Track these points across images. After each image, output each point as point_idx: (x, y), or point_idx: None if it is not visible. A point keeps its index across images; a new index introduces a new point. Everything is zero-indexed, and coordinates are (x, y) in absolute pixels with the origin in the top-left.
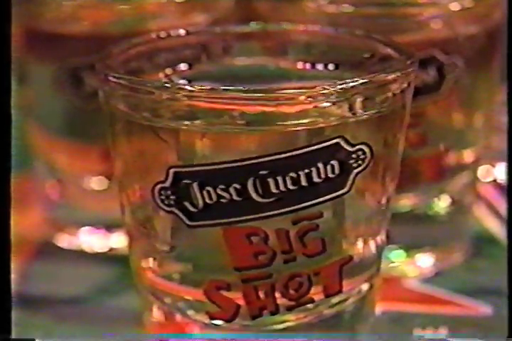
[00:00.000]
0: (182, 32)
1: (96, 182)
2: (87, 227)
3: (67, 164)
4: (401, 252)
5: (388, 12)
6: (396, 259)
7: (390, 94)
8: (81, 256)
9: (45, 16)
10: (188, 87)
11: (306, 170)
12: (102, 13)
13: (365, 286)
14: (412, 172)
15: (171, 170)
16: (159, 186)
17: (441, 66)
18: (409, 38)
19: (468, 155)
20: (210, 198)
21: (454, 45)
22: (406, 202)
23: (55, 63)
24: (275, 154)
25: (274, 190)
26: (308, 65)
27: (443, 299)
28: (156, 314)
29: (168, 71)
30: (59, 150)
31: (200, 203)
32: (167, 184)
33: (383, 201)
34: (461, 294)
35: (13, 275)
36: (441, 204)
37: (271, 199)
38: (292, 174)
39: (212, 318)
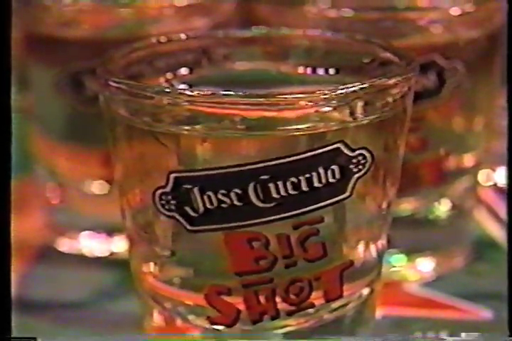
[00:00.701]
0: (183, 36)
1: (96, 187)
2: (87, 232)
3: (68, 168)
4: (401, 256)
5: (388, 16)
6: (397, 263)
7: (390, 99)
8: (82, 260)
9: (46, 21)
10: (189, 92)
11: (307, 175)
12: (102, 18)
13: (365, 291)
14: (412, 177)
15: (172, 175)
16: (160, 191)
17: (442, 71)
18: (410, 43)
19: (468, 160)
20: (211, 203)
21: (455, 49)
22: (406, 206)
23: (56, 67)
24: (276, 159)
25: (274, 194)
26: (309, 70)
27: (443, 303)
28: (157, 318)
29: (169, 75)
30: (60, 155)
31: (201, 208)
32: (168, 189)
33: (384, 205)
34: (462, 298)
35: (13, 280)
36: (442, 208)
37: (272, 204)
38: (293, 179)
39: (212, 323)
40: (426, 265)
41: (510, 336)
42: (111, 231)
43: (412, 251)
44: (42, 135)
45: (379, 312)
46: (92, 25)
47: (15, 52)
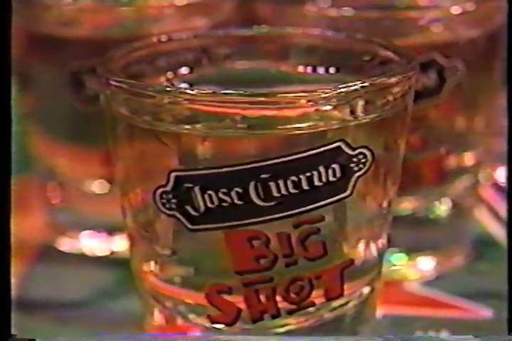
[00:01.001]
0: (183, 36)
1: (97, 186)
2: (88, 231)
3: (69, 168)
4: (402, 255)
5: (389, 15)
6: (397, 262)
7: (391, 98)
8: (82, 259)
9: (46, 20)
10: (189, 91)
11: (308, 174)
12: (102, 17)
13: (366, 290)
14: (413, 176)
15: (173, 174)
16: (160, 190)
17: (442, 69)
18: (410, 42)
19: (469, 159)
20: (212, 202)
21: (455, 48)
22: (407, 205)
23: (56, 67)
24: (276, 158)
25: (275, 193)
26: (309, 69)
27: (444, 302)
28: (157, 317)
29: (170, 75)
30: (60, 154)
31: (202, 207)
32: (168, 188)
33: (384, 204)
34: (462, 297)
35: (14, 279)
36: (442, 207)
37: (272, 203)
38: (293, 178)
39: (213, 322)
40: (426, 264)
41: (509, 335)
42: (111, 230)
43: (413, 250)
44: (42, 134)
45: (379, 311)
46: (92, 24)
47: (15, 51)
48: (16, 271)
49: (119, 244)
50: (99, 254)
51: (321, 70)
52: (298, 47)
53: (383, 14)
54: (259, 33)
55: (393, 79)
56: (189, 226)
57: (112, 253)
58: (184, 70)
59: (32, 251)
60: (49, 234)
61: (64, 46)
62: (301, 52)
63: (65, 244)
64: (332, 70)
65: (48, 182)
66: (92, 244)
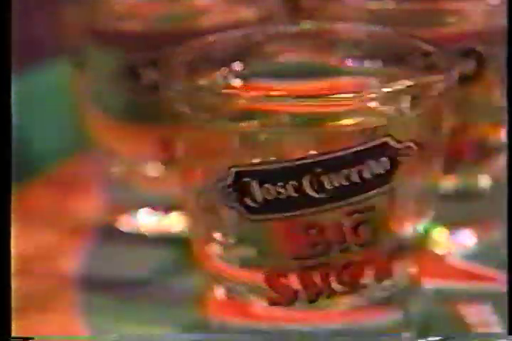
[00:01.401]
0: (236, 33)
1: (153, 167)
2: (146, 209)
3: (127, 149)
4: (444, 230)
5: (429, 7)
6: (439, 237)
7: (436, 93)
8: (141, 238)
9: (101, 15)
10: (243, 93)
11: (358, 167)
12: (154, 11)
13: (413, 268)
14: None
15: (233, 169)
16: (221, 183)
17: (481, 57)
18: (449, 31)
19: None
20: (269, 194)
21: (493, 36)
22: (449, 181)
23: (112, 59)
24: (328, 153)
25: (328, 186)
26: (356, 62)
27: (486, 275)
28: (217, 297)
29: (223, 70)
30: (119, 135)
31: (260, 199)
32: (228, 182)
33: (431, 186)
34: (504, 270)
35: (77, 259)
36: (483, 182)
37: (325, 195)
38: (344, 171)
39: (271, 303)
40: (468, 237)
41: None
42: (168, 209)
43: (454, 224)
44: (102, 116)
45: (425, 286)
46: (144, 18)
47: (75, 42)
48: (80, 251)
49: (176, 223)
50: (157, 233)
51: (367, 63)
52: (345, 40)
53: (424, 6)
54: (307, 27)
55: (437, 77)
56: (249, 216)
57: (170, 231)
58: (237, 65)
59: (93, 230)
60: (109, 213)
61: (119, 40)
62: (347, 45)
63: (125, 224)
64: (377, 63)
65: (107, 164)
66: (150, 222)
